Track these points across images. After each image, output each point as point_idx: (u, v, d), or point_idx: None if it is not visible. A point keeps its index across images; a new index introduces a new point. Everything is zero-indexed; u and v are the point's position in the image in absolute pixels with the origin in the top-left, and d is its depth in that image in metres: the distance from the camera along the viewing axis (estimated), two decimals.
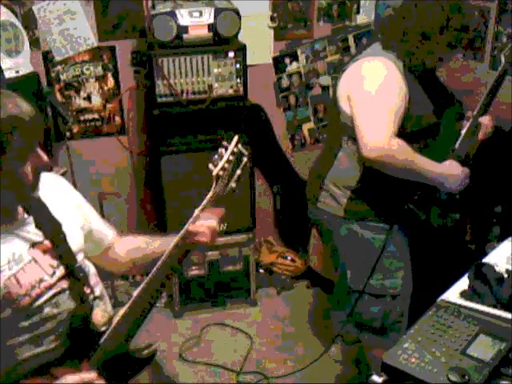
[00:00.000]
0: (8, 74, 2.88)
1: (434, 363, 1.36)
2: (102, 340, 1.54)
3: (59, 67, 3.10)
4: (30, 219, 1.54)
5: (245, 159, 1.60)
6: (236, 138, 1.59)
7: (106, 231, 1.82)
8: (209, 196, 1.59)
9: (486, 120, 2.28)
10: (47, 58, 3.06)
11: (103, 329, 1.56)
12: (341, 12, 3.45)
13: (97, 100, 3.23)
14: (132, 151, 3.35)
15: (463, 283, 1.75)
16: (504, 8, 3.00)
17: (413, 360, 1.38)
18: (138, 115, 3.31)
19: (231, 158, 1.57)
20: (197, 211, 1.60)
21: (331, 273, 3.27)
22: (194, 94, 2.95)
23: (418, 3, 2.16)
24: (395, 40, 2.17)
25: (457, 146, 2.25)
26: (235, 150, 1.57)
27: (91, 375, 1.46)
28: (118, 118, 3.30)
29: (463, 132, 2.26)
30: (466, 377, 1.31)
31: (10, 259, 1.47)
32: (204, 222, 1.58)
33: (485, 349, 1.40)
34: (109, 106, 3.26)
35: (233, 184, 1.58)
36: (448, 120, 2.27)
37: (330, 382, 2.80)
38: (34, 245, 1.52)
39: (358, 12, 3.47)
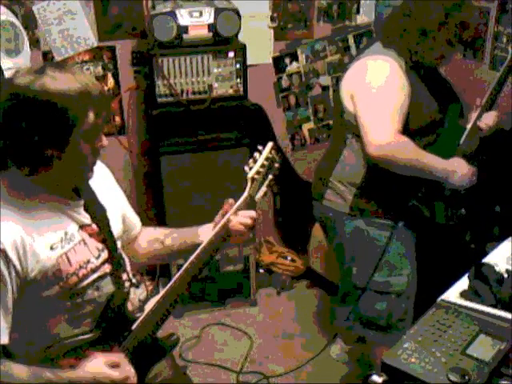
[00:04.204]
0: (8, 74, 2.88)
1: (434, 363, 1.37)
2: (134, 326, 1.58)
3: None
4: (81, 201, 1.58)
5: (277, 165, 1.70)
6: (270, 144, 1.69)
7: (135, 221, 1.87)
8: (244, 197, 1.67)
9: (489, 117, 2.28)
10: (47, 58, 3.05)
11: (137, 316, 1.60)
12: (341, 12, 3.45)
13: None
14: (132, 151, 3.35)
15: (463, 283, 1.75)
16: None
17: (413, 360, 1.38)
18: (138, 115, 3.31)
19: (265, 162, 1.66)
20: (232, 210, 1.66)
21: (331, 273, 3.28)
22: (194, 94, 2.95)
23: (418, 1, 2.16)
24: (395, 37, 2.18)
25: (462, 141, 2.24)
26: (269, 155, 1.67)
27: (119, 359, 1.50)
28: (118, 118, 3.29)
29: (469, 127, 2.26)
30: (466, 377, 1.31)
31: (62, 238, 1.51)
32: (245, 213, 1.65)
33: (485, 349, 1.40)
34: None
35: (264, 188, 1.68)
36: (452, 116, 2.27)
37: (331, 381, 2.80)
38: (82, 226, 1.56)
39: (358, 12, 3.47)
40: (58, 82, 1.39)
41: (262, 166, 1.66)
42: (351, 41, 3.52)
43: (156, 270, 3.30)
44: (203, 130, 3.00)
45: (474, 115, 2.28)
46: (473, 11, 2.22)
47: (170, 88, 2.91)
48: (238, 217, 1.65)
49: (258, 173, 1.66)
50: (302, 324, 3.23)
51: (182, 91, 2.92)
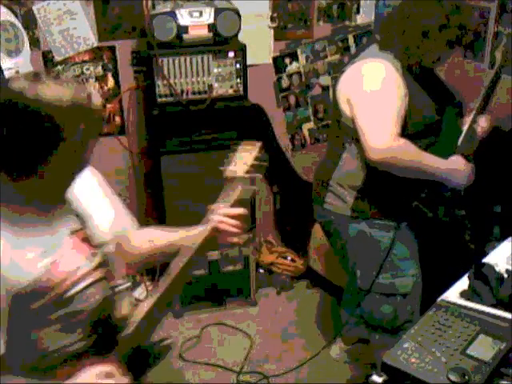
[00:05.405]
0: (8, 74, 2.88)
1: (434, 363, 1.37)
2: (127, 332, 1.54)
3: (59, 67, 3.09)
4: (68, 207, 1.56)
5: (265, 164, 1.69)
6: (259, 144, 1.70)
7: (128, 220, 1.84)
8: (235, 196, 1.64)
9: (483, 120, 2.29)
10: (47, 57, 3.06)
11: (127, 322, 1.57)
12: (341, 12, 3.45)
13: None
14: (132, 151, 3.35)
15: (463, 283, 1.75)
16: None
17: (413, 360, 1.38)
18: (138, 115, 3.31)
19: (254, 162, 1.66)
20: (217, 211, 1.63)
21: (331, 273, 3.28)
22: (194, 94, 2.95)
23: (418, 3, 2.16)
24: (394, 39, 2.17)
25: (459, 143, 2.25)
26: (259, 155, 1.67)
27: (112, 368, 1.46)
28: (118, 118, 3.29)
29: (465, 129, 2.27)
30: (466, 377, 1.31)
31: (51, 246, 1.47)
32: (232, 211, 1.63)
33: (485, 349, 1.40)
34: (109, 106, 3.25)
35: (254, 187, 1.66)
36: (449, 117, 2.28)
37: (331, 381, 2.80)
38: (72, 233, 1.53)
39: (358, 12, 3.47)
40: (51, 92, 1.37)
41: (252, 165, 1.65)
42: (351, 41, 3.52)
43: (156, 270, 3.30)
44: (203, 129, 3.00)
45: (468, 118, 2.29)
46: (472, 14, 2.22)
47: (170, 88, 2.91)
48: (225, 217, 1.64)
49: (234, 172, 1.65)
50: (302, 324, 3.23)
51: (182, 91, 2.92)
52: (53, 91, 1.38)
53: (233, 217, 1.62)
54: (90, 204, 1.63)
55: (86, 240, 1.56)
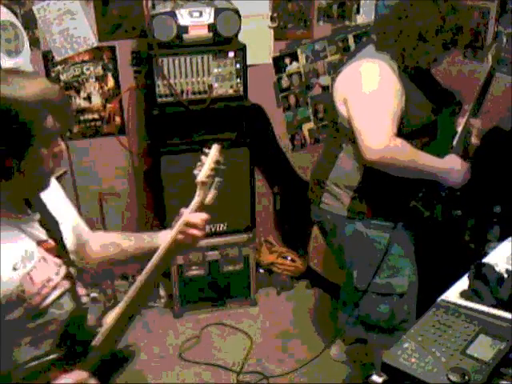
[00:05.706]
0: None
1: (434, 363, 1.37)
2: (96, 342, 1.52)
3: (59, 67, 3.10)
4: (35, 216, 1.52)
5: (223, 167, 1.69)
6: (216, 146, 1.69)
7: (83, 226, 1.80)
8: (196, 202, 1.66)
9: (477, 124, 2.29)
10: (47, 57, 3.06)
11: (97, 330, 1.55)
12: (341, 12, 3.45)
13: (97, 100, 3.23)
14: (132, 151, 3.35)
15: (463, 283, 1.75)
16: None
17: (413, 360, 1.38)
18: (138, 115, 3.31)
19: (213, 165, 1.66)
20: (185, 216, 1.64)
21: (331, 273, 3.28)
22: (194, 94, 2.95)
23: (414, 3, 2.15)
24: (390, 40, 2.16)
25: (454, 143, 2.26)
26: (218, 158, 1.67)
27: (83, 375, 1.45)
28: (118, 118, 3.29)
29: (459, 129, 2.28)
30: (466, 377, 1.31)
31: (23, 257, 1.44)
32: (198, 215, 1.64)
33: (485, 349, 1.40)
34: (109, 106, 3.25)
35: (213, 191, 1.67)
36: (444, 117, 2.28)
37: (331, 381, 2.80)
38: (39, 242, 1.50)
39: (358, 12, 3.47)
40: (14, 88, 1.34)
41: (211, 169, 1.66)
42: (351, 41, 3.52)
43: None
44: (203, 130, 2.99)
45: (463, 119, 2.29)
46: (471, 14, 2.21)
47: (170, 88, 2.91)
48: (188, 222, 1.62)
49: (207, 176, 1.65)
50: (302, 324, 3.23)
51: (182, 91, 2.93)
52: (16, 87, 1.35)
53: (194, 222, 1.62)
54: (55, 210, 1.59)
55: (51, 250, 1.52)
